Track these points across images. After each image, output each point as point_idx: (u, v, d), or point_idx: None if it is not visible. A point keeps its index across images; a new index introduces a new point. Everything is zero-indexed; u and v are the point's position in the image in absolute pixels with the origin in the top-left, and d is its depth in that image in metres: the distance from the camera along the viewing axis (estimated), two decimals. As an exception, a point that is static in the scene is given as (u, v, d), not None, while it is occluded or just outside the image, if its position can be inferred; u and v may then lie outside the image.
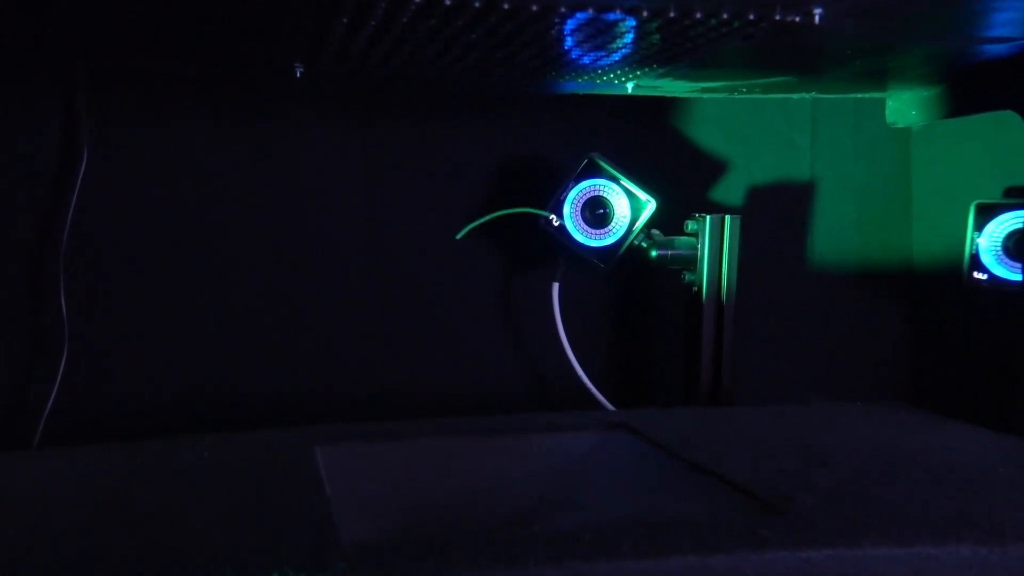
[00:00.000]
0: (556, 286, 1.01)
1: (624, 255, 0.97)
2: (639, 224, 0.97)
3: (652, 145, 1.07)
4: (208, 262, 0.93)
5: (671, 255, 0.99)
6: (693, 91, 1.02)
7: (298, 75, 0.78)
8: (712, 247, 0.99)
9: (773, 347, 1.11)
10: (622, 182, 0.96)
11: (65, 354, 0.85)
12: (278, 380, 0.95)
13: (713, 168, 1.09)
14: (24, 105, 0.84)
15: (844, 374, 1.11)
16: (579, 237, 0.97)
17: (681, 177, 1.08)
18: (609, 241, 0.97)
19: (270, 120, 0.94)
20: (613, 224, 0.97)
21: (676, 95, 1.03)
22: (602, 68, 0.86)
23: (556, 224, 0.97)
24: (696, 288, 1.00)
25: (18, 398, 0.85)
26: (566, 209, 0.96)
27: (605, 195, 0.97)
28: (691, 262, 1.00)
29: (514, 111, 1.02)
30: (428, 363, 1.01)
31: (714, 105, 1.08)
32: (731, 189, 1.10)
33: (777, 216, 1.11)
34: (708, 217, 0.99)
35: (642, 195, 0.96)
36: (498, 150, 1.02)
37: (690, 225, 1.00)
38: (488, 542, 0.43)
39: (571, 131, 1.04)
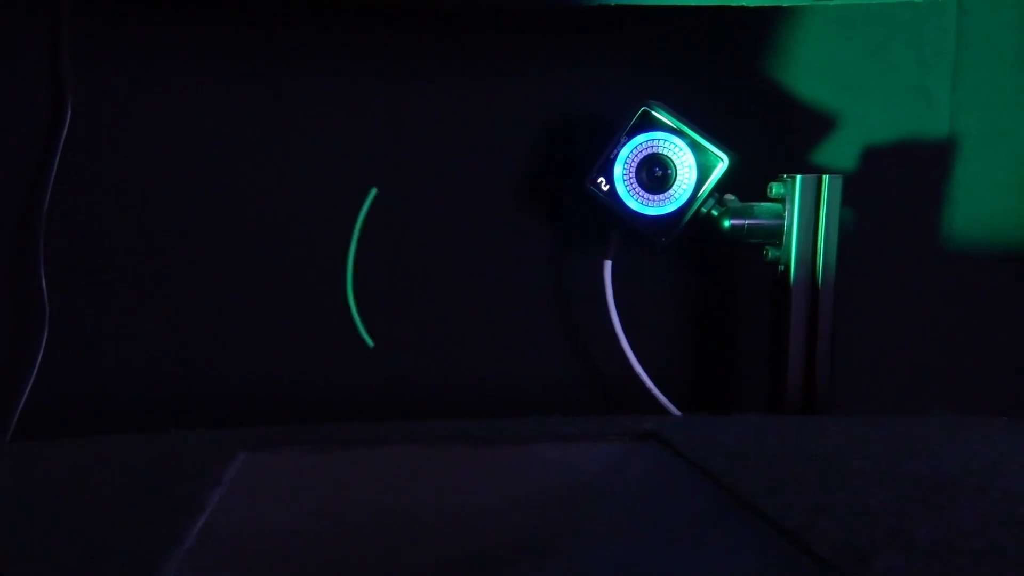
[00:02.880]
0: (608, 265, 0.84)
1: (689, 226, 0.79)
2: (707, 186, 0.78)
3: (728, 85, 0.88)
4: (207, 234, 0.82)
5: (748, 225, 0.80)
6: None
7: None
8: (803, 216, 0.79)
9: (887, 342, 0.89)
10: (686, 134, 0.78)
11: (45, 336, 0.77)
12: (283, 368, 0.83)
13: (812, 115, 0.88)
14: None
15: (980, 380, 0.88)
16: (633, 204, 0.79)
17: (767, 128, 0.88)
18: (670, 208, 0.79)
19: (282, 74, 0.82)
20: (675, 188, 0.79)
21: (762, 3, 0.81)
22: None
23: (605, 189, 0.80)
24: (782, 267, 0.81)
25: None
26: (617, 170, 0.79)
27: (665, 152, 0.79)
28: (775, 234, 0.80)
29: (561, 56, 0.86)
30: (461, 353, 0.87)
31: (818, 20, 0.87)
32: (837, 144, 0.89)
33: (897, 178, 0.89)
34: (799, 178, 0.79)
35: (713, 150, 0.78)
36: (543, 104, 0.86)
37: (775, 188, 0.80)
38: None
39: (628, 75, 0.86)
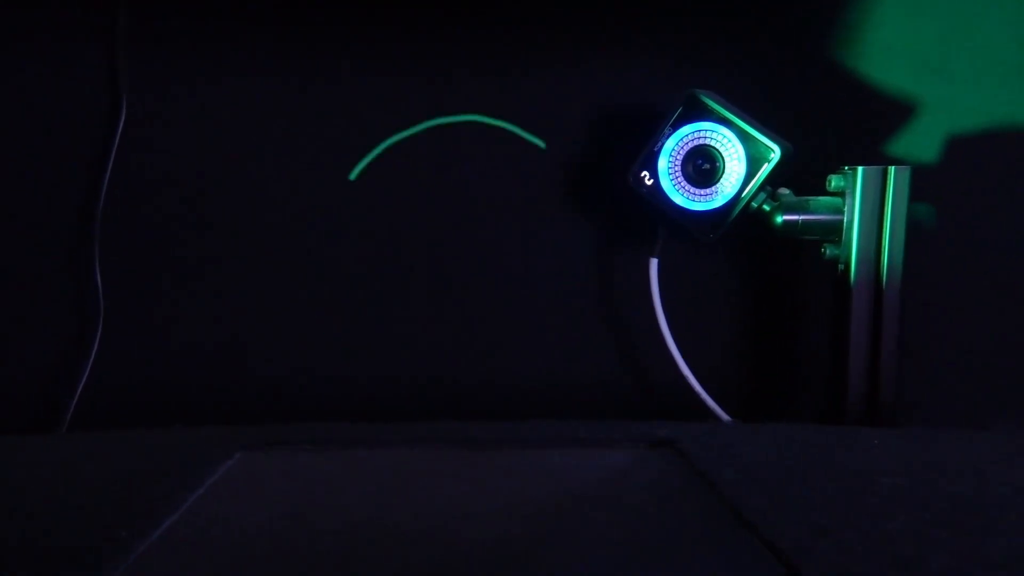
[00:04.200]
0: (654, 263, 0.80)
1: (741, 222, 0.75)
2: (756, 180, 0.73)
3: (789, 72, 0.82)
4: (258, 227, 0.83)
5: (803, 221, 0.74)
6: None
7: None
8: (865, 211, 0.73)
9: (963, 350, 0.81)
10: (736, 124, 0.73)
11: (100, 329, 0.80)
12: (331, 364, 0.84)
13: (887, 102, 0.82)
14: (56, 47, 0.79)
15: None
16: (678, 199, 0.75)
17: (830, 117, 0.82)
18: (717, 204, 0.74)
19: (326, 68, 0.83)
20: (723, 181, 0.74)
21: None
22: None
23: (648, 183, 0.76)
24: (842, 266, 0.75)
25: (49, 375, 0.80)
26: (661, 163, 0.75)
27: (713, 144, 0.74)
28: (833, 231, 0.74)
29: (607, 44, 0.83)
30: (506, 353, 0.85)
31: None
32: (917, 134, 0.82)
33: (983, 170, 0.81)
34: (860, 169, 0.73)
35: (764, 141, 0.73)
36: (589, 95, 0.83)
37: (834, 181, 0.75)
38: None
39: (678, 62, 0.82)
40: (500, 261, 0.84)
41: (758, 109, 0.75)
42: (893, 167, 0.73)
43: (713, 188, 0.74)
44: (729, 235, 0.75)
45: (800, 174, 0.77)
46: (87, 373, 0.80)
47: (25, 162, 0.79)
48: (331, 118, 0.83)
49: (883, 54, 0.81)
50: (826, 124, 0.81)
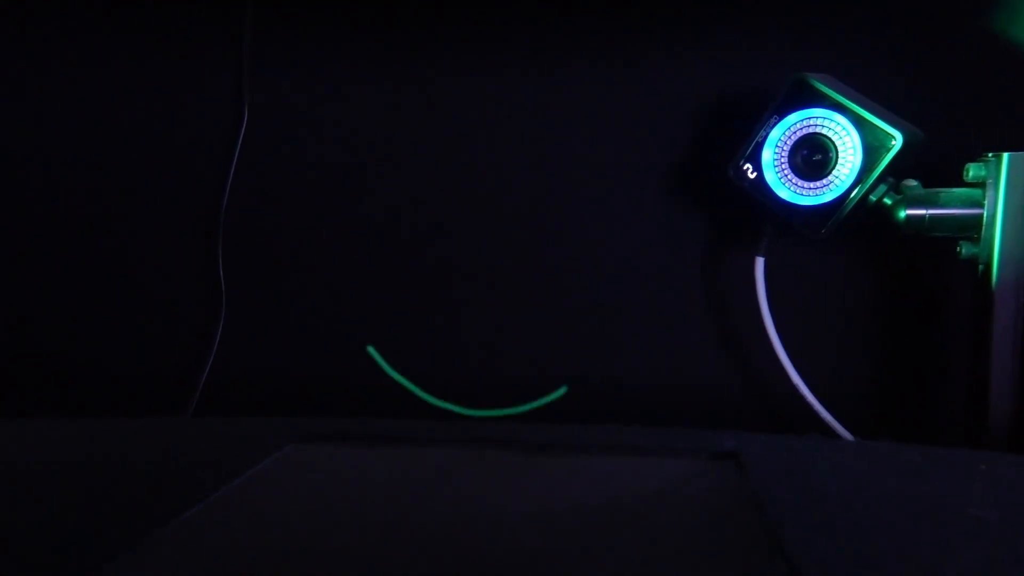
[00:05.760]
0: (760, 261, 0.74)
1: (859, 217, 0.67)
2: (875, 171, 0.66)
3: (915, 49, 0.73)
4: (367, 229, 0.86)
5: (931, 216, 0.65)
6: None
7: None
8: (1010, 204, 0.64)
9: None
10: (851, 110, 0.66)
11: (222, 320, 0.86)
12: (432, 362, 0.85)
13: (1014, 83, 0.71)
14: (189, 64, 0.86)
15: None
16: (783, 193, 0.69)
17: (972, 99, 0.71)
18: (828, 198, 0.67)
19: (435, 76, 0.84)
20: (836, 173, 0.67)
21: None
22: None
23: (751, 177, 0.70)
24: (982, 267, 0.65)
25: (178, 363, 0.87)
26: (766, 155, 0.70)
27: (825, 132, 0.67)
28: (969, 227, 0.65)
29: (716, 30, 0.78)
30: (606, 354, 0.82)
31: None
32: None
33: None
34: (1006, 156, 0.64)
35: (883, 127, 0.65)
36: (697, 85, 0.79)
37: (972, 170, 0.65)
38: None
39: (790, 47, 0.76)
40: (602, 258, 0.82)
41: (886, 92, 0.67)
42: (1045, 152, 0.63)
43: (824, 181, 0.67)
44: (846, 232, 0.68)
45: (939, 164, 0.68)
46: (211, 361, 0.86)
47: (159, 167, 0.86)
48: (438, 122, 0.84)
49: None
50: (968, 107, 0.72)
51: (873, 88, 0.70)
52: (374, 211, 0.85)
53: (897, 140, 0.65)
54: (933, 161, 0.68)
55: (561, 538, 0.41)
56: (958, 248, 0.66)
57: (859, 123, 0.66)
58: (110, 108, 0.86)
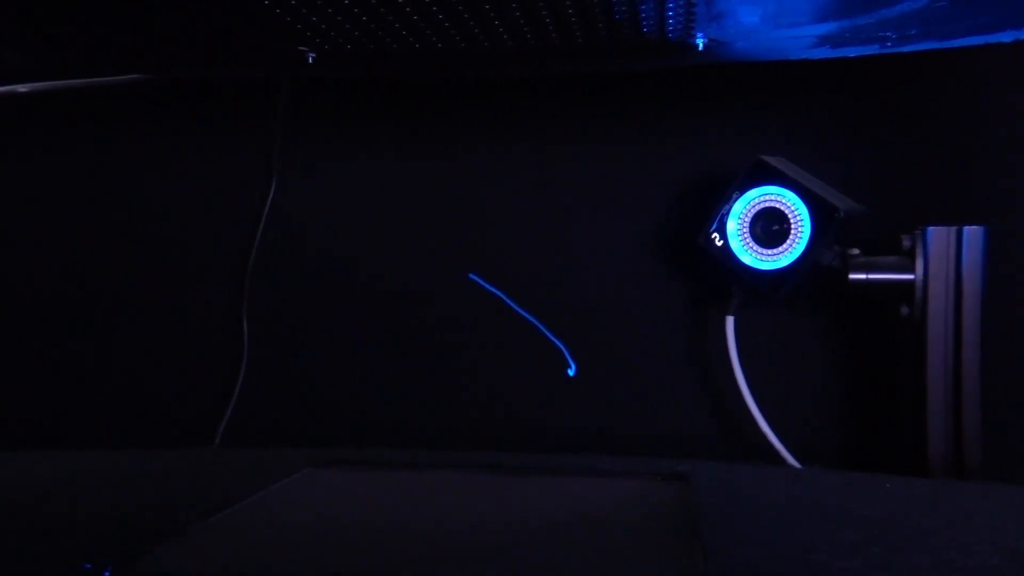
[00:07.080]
0: (731, 320, 0.84)
1: (814, 281, 0.77)
2: (816, 240, 0.76)
3: (860, 134, 0.84)
4: (380, 291, 0.96)
5: (871, 280, 0.75)
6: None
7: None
8: (937, 270, 0.73)
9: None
10: (800, 186, 0.77)
11: (243, 368, 0.96)
12: (446, 408, 0.94)
13: (953, 161, 0.81)
14: (223, 137, 0.98)
15: None
16: (746, 258, 0.79)
17: (905, 177, 0.82)
18: (782, 263, 0.78)
19: (449, 148, 0.96)
20: (790, 241, 0.77)
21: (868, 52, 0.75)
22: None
23: (719, 244, 0.81)
24: (917, 325, 0.75)
25: (206, 401, 0.97)
26: (731, 225, 0.80)
27: (779, 206, 0.78)
28: (904, 290, 0.75)
29: (688, 117, 0.89)
30: (594, 401, 0.91)
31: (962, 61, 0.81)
32: (1000, 191, 0.80)
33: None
34: (929, 230, 0.74)
35: (828, 200, 0.76)
36: (679, 164, 0.90)
37: (905, 241, 0.75)
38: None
39: (753, 129, 0.87)
40: (595, 318, 0.92)
41: (835, 173, 0.78)
42: (966, 228, 0.73)
43: (780, 248, 0.78)
44: (808, 295, 0.78)
45: (889, 235, 0.78)
46: (234, 401, 0.96)
47: (191, 228, 0.98)
48: (450, 191, 0.95)
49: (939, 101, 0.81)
50: (908, 184, 0.82)
51: (824, 168, 0.80)
52: (387, 272, 0.96)
53: (839, 213, 0.75)
54: (879, 232, 0.78)
55: (532, 543, 0.50)
56: (900, 309, 0.76)
57: (808, 197, 0.76)
58: (153, 182, 0.99)
